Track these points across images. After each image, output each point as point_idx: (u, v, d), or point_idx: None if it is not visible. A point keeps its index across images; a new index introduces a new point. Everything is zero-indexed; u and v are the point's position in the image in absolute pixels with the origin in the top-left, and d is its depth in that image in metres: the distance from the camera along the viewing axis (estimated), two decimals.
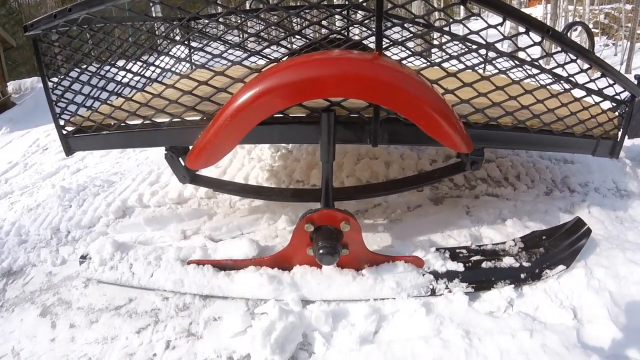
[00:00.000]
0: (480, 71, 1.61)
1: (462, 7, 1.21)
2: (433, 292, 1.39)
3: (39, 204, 2.44)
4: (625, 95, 1.56)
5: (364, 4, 1.50)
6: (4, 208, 2.57)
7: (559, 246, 1.53)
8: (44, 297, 1.63)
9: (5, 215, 2.41)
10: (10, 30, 10.79)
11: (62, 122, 1.56)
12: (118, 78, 1.57)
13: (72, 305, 1.55)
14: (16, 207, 2.52)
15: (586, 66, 1.37)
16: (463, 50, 1.35)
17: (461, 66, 1.33)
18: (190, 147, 1.28)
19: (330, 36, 1.69)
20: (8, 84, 7.04)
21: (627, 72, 10.02)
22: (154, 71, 1.97)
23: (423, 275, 1.41)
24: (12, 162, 3.57)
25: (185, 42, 2.29)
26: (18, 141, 4.44)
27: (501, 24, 1.30)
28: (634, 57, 11.21)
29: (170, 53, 2.15)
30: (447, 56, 1.27)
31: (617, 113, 1.63)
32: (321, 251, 1.24)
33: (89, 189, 2.49)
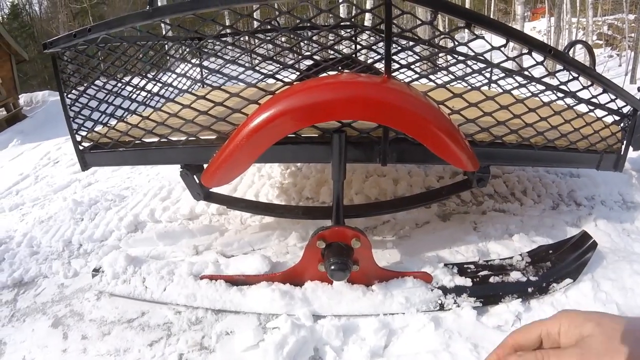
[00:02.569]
0: (486, 90, 1.65)
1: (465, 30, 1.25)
2: (442, 307, 1.41)
3: (51, 216, 2.48)
4: (627, 109, 1.59)
5: (374, 27, 1.55)
6: (16, 219, 2.61)
7: (565, 260, 1.55)
8: (56, 309, 1.65)
9: (16, 227, 2.45)
10: (22, 44, 11.04)
11: (79, 138, 1.60)
12: (133, 96, 1.63)
13: (84, 317, 1.57)
14: (27, 218, 2.56)
15: (588, 83, 1.41)
16: (469, 71, 1.39)
17: (468, 87, 1.37)
18: (205, 165, 1.32)
19: (342, 59, 1.73)
20: (20, 96, 7.18)
21: (632, 82, 10.02)
22: (167, 89, 2.03)
23: (432, 290, 1.43)
24: (24, 174, 3.62)
25: (200, 64, 2.35)
26: (29, 153, 4.51)
27: (504, 46, 1.35)
28: (639, 67, 11.24)
29: (185, 73, 2.21)
30: (453, 77, 1.31)
31: (620, 127, 1.65)
32: (333, 267, 1.27)
33: (101, 202, 2.53)
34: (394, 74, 1.19)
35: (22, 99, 7.31)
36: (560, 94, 1.55)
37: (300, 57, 1.30)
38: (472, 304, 1.41)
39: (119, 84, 1.60)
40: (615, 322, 0.44)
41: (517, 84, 1.55)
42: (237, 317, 1.45)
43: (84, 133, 1.61)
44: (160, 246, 1.96)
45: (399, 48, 1.25)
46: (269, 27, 1.88)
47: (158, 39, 1.60)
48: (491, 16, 24.21)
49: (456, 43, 1.36)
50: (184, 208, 2.24)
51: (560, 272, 1.49)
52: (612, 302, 1.36)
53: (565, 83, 1.44)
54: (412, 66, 1.23)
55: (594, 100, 1.50)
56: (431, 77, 1.97)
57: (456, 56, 1.60)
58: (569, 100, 1.51)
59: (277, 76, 1.29)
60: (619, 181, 2.44)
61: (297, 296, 1.41)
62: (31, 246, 2.15)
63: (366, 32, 2.34)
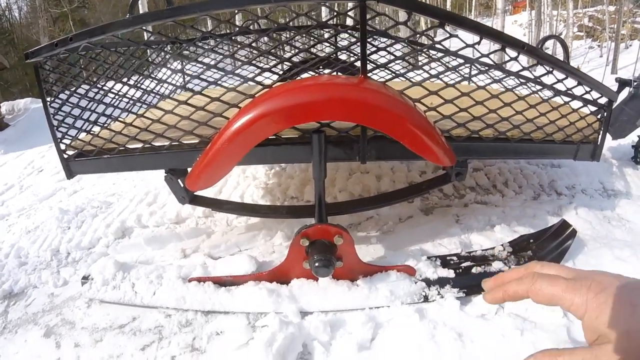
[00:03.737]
0: (462, 86, 1.69)
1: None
2: (426, 299, 1.44)
3: (37, 226, 2.46)
4: (603, 100, 1.63)
5: (349, 30, 1.58)
6: (2, 230, 2.57)
7: (546, 248, 1.59)
8: (47, 318, 1.65)
9: (3, 238, 2.42)
10: (2, 51, 10.81)
11: (63, 147, 1.60)
12: (116, 103, 1.63)
13: (76, 325, 1.57)
14: (14, 229, 2.53)
15: (563, 76, 1.45)
16: (444, 69, 1.43)
17: (443, 84, 1.41)
18: (189, 169, 1.34)
19: (319, 61, 1.76)
20: (1, 104, 7.04)
21: (613, 73, 10.23)
22: (149, 95, 2.04)
23: (415, 283, 1.46)
24: (8, 184, 3.56)
25: (180, 69, 2.36)
26: (13, 162, 4.43)
27: (478, 43, 1.39)
28: (619, 58, 11.46)
29: (166, 79, 2.21)
30: (429, 75, 1.35)
31: (596, 118, 1.70)
32: (317, 264, 1.29)
33: (87, 210, 2.52)
34: (371, 74, 1.22)
35: (4, 107, 7.16)
36: (537, 87, 1.58)
37: (279, 60, 1.32)
38: (456, 294, 1.45)
39: (102, 91, 1.60)
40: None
41: (495, 78, 1.58)
42: (226, 318, 1.47)
43: (68, 141, 1.60)
44: (148, 251, 1.97)
45: (375, 49, 1.28)
46: (248, 30, 1.90)
47: (139, 45, 1.60)
48: (473, 10, 24.42)
49: (431, 41, 1.40)
50: (170, 212, 2.25)
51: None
52: None
53: (540, 77, 1.48)
54: (390, 65, 1.26)
55: (570, 92, 1.54)
56: (409, 75, 2.02)
57: (434, 53, 1.64)
58: (547, 93, 1.55)
59: (258, 79, 1.32)
60: (599, 170, 2.50)
61: (284, 294, 1.43)
62: (19, 257, 2.14)
63: (347, 32, 2.38)
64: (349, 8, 1.26)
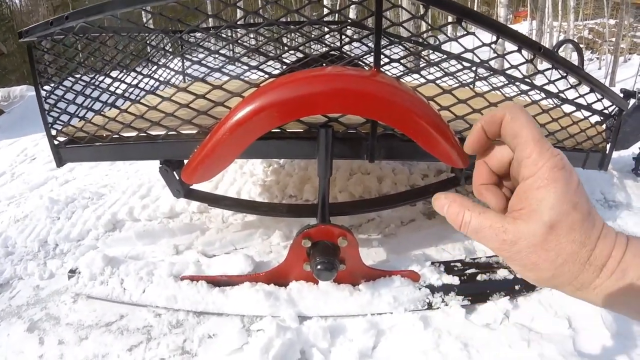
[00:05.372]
0: (474, 87, 1.64)
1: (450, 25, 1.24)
2: (430, 306, 1.39)
3: (27, 215, 2.39)
4: (613, 109, 1.61)
5: (363, 22, 1.52)
6: None
7: None
8: (32, 312, 1.59)
9: None
10: (1, 37, 10.66)
11: (54, 132, 1.53)
12: (112, 89, 1.56)
13: (61, 321, 1.50)
14: (2, 217, 2.46)
15: (575, 82, 1.41)
16: (458, 68, 1.37)
17: (456, 83, 1.36)
18: (186, 161, 1.27)
19: (329, 52, 1.70)
20: None
21: (612, 85, 10.32)
22: (147, 83, 1.97)
23: (419, 289, 1.41)
24: None
25: (181, 54, 2.29)
26: (5, 150, 4.35)
27: (495, 42, 1.33)
28: (618, 71, 11.57)
29: (166, 65, 2.14)
30: (443, 74, 1.29)
31: (605, 126, 1.67)
32: (319, 267, 1.23)
33: (78, 201, 2.45)
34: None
35: (0, 93, 7.06)
36: (546, 93, 1.55)
37: (286, 49, 1.25)
38: (460, 302, 1.40)
39: (97, 76, 1.53)
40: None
41: (503, 82, 1.55)
42: (220, 320, 1.41)
43: (59, 127, 1.53)
44: (139, 246, 1.90)
45: (389, 41, 1.21)
46: (255, 18, 1.84)
47: (139, 29, 1.53)
48: None
49: (446, 38, 1.33)
50: (163, 206, 2.17)
51: None
52: None
53: (555, 81, 1.44)
54: (400, 61, 1.20)
55: (580, 99, 1.51)
56: (418, 73, 1.97)
57: (441, 54, 1.58)
58: (555, 99, 1.52)
59: (264, 69, 1.25)
60: (601, 180, 2.48)
61: (282, 297, 1.37)
62: (6, 246, 2.07)
63: (349, 27, 2.32)
64: None
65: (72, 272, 1.61)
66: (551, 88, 1.44)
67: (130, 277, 1.52)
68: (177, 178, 1.47)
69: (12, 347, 1.42)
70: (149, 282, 1.50)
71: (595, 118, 1.62)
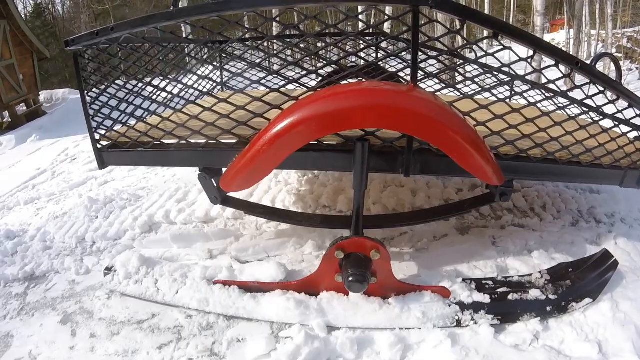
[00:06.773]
0: (510, 102, 1.62)
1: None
2: (459, 324, 1.37)
3: (66, 212, 2.50)
4: None
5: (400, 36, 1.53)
6: (30, 213, 2.63)
7: (585, 279, 1.50)
8: (66, 305, 1.66)
9: (31, 221, 2.48)
10: (44, 42, 11.25)
11: (97, 137, 1.61)
12: (153, 97, 1.62)
13: (94, 316, 1.57)
14: (42, 213, 2.58)
15: (614, 97, 1.37)
16: (495, 83, 1.36)
17: (492, 98, 1.34)
18: (224, 170, 1.31)
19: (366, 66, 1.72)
20: (40, 93, 7.31)
21: None
22: (186, 92, 2.03)
23: (449, 305, 1.39)
24: (41, 169, 3.67)
25: (220, 66, 2.35)
26: (47, 149, 4.57)
27: (532, 57, 1.31)
28: None
29: (206, 76, 2.22)
30: (479, 88, 1.28)
31: None
32: (351, 279, 1.24)
33: (116, 201, 2.54)
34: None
35: (43, 95, 7.44)
36: (584, 108, 1.51)
37: (325, 63, 1.28)
38: (490, 321, 1.37)
39: (140, 84, 1.60)
40: None
41: (540, 97, 1.51)
42: (249, 325, 1.43)
43: (102, 132, 1.61)
44: (174, 248, 1.96)
45: (426, 56, 1.22)
46: (292, 32, 1.87)
47: (180, 40, 1.60)
48: None
49: (483, 53, 1.33)
50: (199, 211, 2.22)
51: (580, 291, 1.45)
52: (631, 323, 1.32)
53: (592, 96, 1.41)
54: (439, 76, 1.20)
55: (618, 115, 1.46)
56: (454, 88, 1.96)
57: (479, 68, 1.57)
58: (593, 115, 1.47)
59: (301, 82, 1.28)
60: (639, 199, 2.37)
61: (312, 306, 1.38)
62: (44, 241, 2.17)
63: (386, 41, 2.32)
64: (400, 13, 1.21)
65: (108, 269, 1.68)
66: (589, 103, 1.40)
67: (165, 278, 1.57)
68: (215, 185, 1.51)
69: (45, 338, 1.48)
70: (182, 284, 1.53)
71: (633, 134, 1.56)
